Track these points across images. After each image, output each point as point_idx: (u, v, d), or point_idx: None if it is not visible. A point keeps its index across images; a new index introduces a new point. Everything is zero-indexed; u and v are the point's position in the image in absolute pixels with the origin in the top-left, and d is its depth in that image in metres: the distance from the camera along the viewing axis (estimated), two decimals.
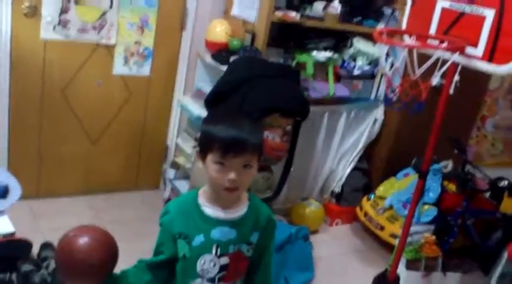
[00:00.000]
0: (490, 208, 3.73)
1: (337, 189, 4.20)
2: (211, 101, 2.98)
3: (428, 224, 3.54)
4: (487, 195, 3.86)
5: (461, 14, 2.34)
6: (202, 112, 3.42)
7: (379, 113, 4.08)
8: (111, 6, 3.46)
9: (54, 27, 3.34)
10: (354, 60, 3.82)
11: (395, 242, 3.18)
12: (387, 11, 3.84)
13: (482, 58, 2.25)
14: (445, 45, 2.31)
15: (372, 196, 3.93)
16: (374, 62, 3.89)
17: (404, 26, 2.70)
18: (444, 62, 2.27)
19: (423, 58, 2.29)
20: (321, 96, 3.66)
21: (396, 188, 3.83)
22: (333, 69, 3.73)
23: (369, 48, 3.79)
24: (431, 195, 3.61)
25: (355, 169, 4.21)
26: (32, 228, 3.23)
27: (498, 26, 2.18)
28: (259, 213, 1.66)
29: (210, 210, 1.60)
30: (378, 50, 3.79)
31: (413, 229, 3.00)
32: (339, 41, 3.76)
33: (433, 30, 2.48)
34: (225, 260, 1.59)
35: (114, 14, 3.48)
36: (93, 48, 3.53)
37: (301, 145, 3.31)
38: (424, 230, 3.45)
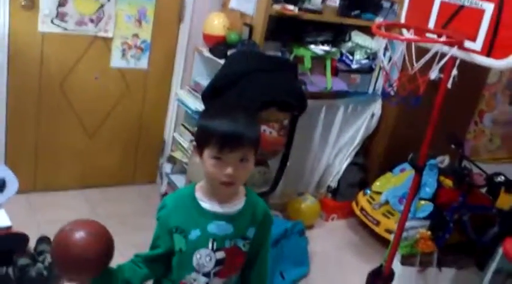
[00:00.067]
0: (486, 204, 3.73)
1: (334, 184, 4.20)
2: (209, 95, 2.97)
3: (424, 220, 3.54)
4: (484, 190, 3.86)
5: (461, 7, 2.34)
6: (200, 106, 3.41)
7: (376, 107, 4.08)
8: None
9: (52, 20, 3.32)
10: (352, 54, 3.82)
11: (391, 237, 3.18)
12: (386, 4, 3.84)
13: (481, 52, 2.24)
14: (443, 39, 2.31)
15: (368, 191, 3.93)
16: (372, 56, 3.88)
17: (403, 19, 2.69)
18: (442, 55, 2.26)
19: (421, 52, 2.28)
20: (318, 90, 3.65)
21: (392, 183, 3.83)
22: (331, 63, 3.72)
23: (367, 42, 3.78)
24: (428, 190, 3.61)
25: (351, 164, 4.21)
26: (29, 222, 3.21)
27: (497, 20, 2.17)
28: (256, 207, 1.66)
29: (207, 204, 1.59)
30: (376, 44, 3.78)
31: (408, 224, 3.00)
32: (337, 34, 3.75)
33: (431, 23, 2.47)
34: (221, 254, 1.59)
35: (111, 7, 3.47)
36: (91, 41, 3.52)
37: (298, 139, 3.30)
38: (419, 226, 3.45)
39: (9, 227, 2.71)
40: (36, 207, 3.54)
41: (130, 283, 1.61)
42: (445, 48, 2.28)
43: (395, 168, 3.97)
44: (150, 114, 3.96)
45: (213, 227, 1.57)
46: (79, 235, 1.50)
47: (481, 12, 2.23)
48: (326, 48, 3.62)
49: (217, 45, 3.48)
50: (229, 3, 3.62)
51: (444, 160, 3.74)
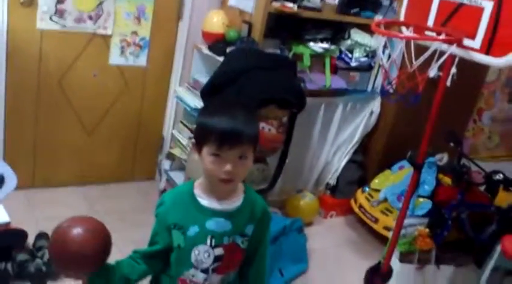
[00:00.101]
0: (484, 202, 3.74)
1: (332, 181, 4.21)
2: (208, 92, 2.97)
3: (423, 217, 3.55)
4: (482, 188, 3.87)
5: (460, 5, 2.34)
6: (199, 104, 3.41)
7: (375, 105, 4.08)
8: None
9: (50, 17, 3.32)
10: (351, 51, 3.82)
11: (389, 234, 3.19)
12: (385, 2, 3.83)
13: (480, 50, 2.24)
14: (442, 37, 2.31)
15: (367, 188, 3.93)
16: (371, 54, 3.88)
17: (402, 17, 2.69)
18: (441, 53, 2.26)
19: (420, 50, 2.28)
20: (317, 88, 3.65)
21: (391, 181, 3.83)
22: (330, 61, 3.72)
23: (366, 40, 3.78)
24: (426, 187, 3.61)
25: (350, 161, 4.21)
26: (27, 218, 3.22)
27: (496, 18, 2.17)
28: (254, 204, 1.66)
29: (206, 201, 1.59)
30: (375, 42, 3.78)
31: (407, 221, 3.01)
32: (336, 32, 3.75)
33: (431, 21, 2.48)
34: (219, 251, 1.59)
35: (110, 4, 3.46)
36: (90, 38, 3.51)
37: (296, 137, 3.30)
38: (418, 223, 3.46)
39: (8, 223, 2.72)
40: (35, 203, 3.54)
41: (129, 279, 1.61)
42: (444, 46, 2.28)
43: (394, 165, 3.97)
44: (148, 111, 3.96)
45: (211, 224, 1.57)
46: (76, 231, 1.50)
47: (480, 10, 2.24)
48: (325, 45, 3.62)
49: (216, 43, 3.48)
50: (228, 1, 3.62)
51: (443, 158, 3.75)
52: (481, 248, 3.49)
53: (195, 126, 1.62)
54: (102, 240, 1.54)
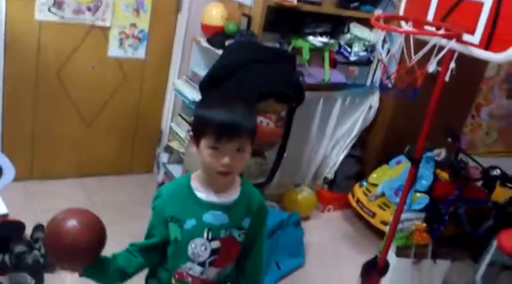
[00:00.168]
0: (482, 197, 3.75)
1: (330, 176, 4.21)
2: (206, 85, 2.96)
3: (420, 212, 3.55)
4: (480, 183, 3.88)
5: (460, 0, 2.33)
6: (197, 97, 3.41)
7: (374, 100, 4.08)
8: None
9: (49, 8, 3.31)
10: (350, 46, 3.81)
11: (386, 229, 3.19)
12: None
13: (479, 45, 2.24)
14: (441, 31, 2.30)
15: (364, 183, 3.94)
16: (370, 48, 3.88)
17: (401, 11, 2.68)
18: (441, 48, 2.25)
19: (420, 44, 2.28)
20: (316, 82, 3.64)
21: (389, 175, 3.83)
22: (329, 55, 3.71)
23: (366, 34, 3.78)
24: (424, 182, 3.62)
25: (348, 156, 4.21)
26: (25, 210, 3.22)
27: (496, 13, 2.16)
28: (251, 198, 1.66)
29: (203, 194, 1.59)
30: (375, 36, 3.78)
31: (404, 216, 3.01)
32: (335, 26, 3.74)
33: (430, 16, 2.47)
34: (216, 244, 1.59)
35: None
36: (88, 29, 3.50)
37: (295, 131, 3.30)
38: (415, 218, 3.45)
39: (5, 215, 2.71)
40: (33, 195, 3.54)
41: (126, 272, 1.62)
42: (444, 41, 2.28)
43: (392, 160, 3.97)
44: (147, 104, 3.96)
45: (208, 217, 1.57)
46: (71, 223, 1.50)
47: (480, 5, 2.23)
48: (324, 39, 3.61)
49: (215, 36, 3.47)
50: None
51: (441, 153, 3.75)
52: (477, 243, 3.50)
53: (193, 118, 1.62)
54: (97, 233, 1.54)
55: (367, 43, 3.82)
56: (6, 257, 2.69)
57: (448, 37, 2.26)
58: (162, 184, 3.80)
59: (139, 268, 1.66)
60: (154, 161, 4.18)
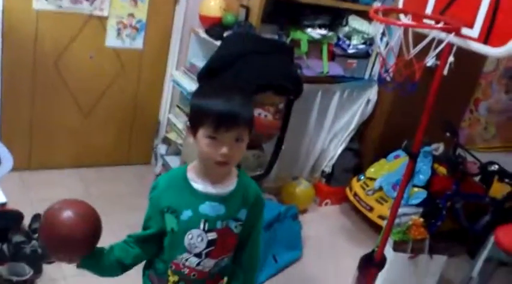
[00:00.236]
0: (479, 192, 3.75)
1: (328, 169, 4.21)
2: (204, 76, 2.96)
3: (417, 207, 3.56)
4: (477, 178, 3.88)
5: None
6: (195, 88, 3.39)
7: (372, 93, 4.07)
8: None
9: None
10: (349, 38, 3.80)
11: (384, 223, 3.19)
12: None
13: (478, 39, 2.23)
14: (440, 25, 2.29)
15: (362, 177, 3.94)
16: (369, 41, 3.87)
17: (400, 4, 2.67)
18: (440, 42, 2.24)
19: (418, 38, 2.26)
20: (314, 75, 3.64)
21: (386, 170, 3.83)
22: (328, 47, 3.70)
23: (364, 27, 3.76)
24: (422, 177, 3.62)
25: (346, 149, 4.21)
26: (23, 199, 3.22)
27: (495, 7, 2.15)
28: (247, 189, 1.66)
29: (200, 185, 1.58)
30: (373, 29, 3.76)
31: (401, 210, 3.01)
32: (334, 18, 3.73)
33: (429, 9, 2.45)
34: (212, 235, 1.59)
35: None
36: (86, 19, 3.49)
37: (293, 123, 3.29)
38: (412, 213, 3.46)
39: (4, 204, 2.71)
40: (30, 185, 3.53)
41: (123, 263, 1.62)
42: (442, 35, 2.27)
43: (390, 154, 3.97)
44: (145, 95, 3.95)
45: (204, 208, 1.57)
46: (67, 214, 1.50)
47: None
48: (323, 32, 3.60)
49: (214, 27, 3.46)
50: None
51: (439, 148, 3.75)
52: (474, 239, 3.50)
53: (189, 108, 1.61)
54: (92, 224, 1.54)
55: (365, 36, 3.81)
56: (5, 247, 2.69)
57: (447, 30, 2.25)
58: (159, 175, 3.80)
59: (136, 259, 1.65)
60: (152, 152, 4.17)
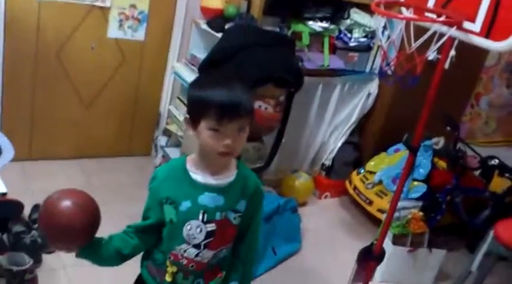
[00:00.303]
0: (479, 187, 3.75)
1: (328, 162, 4.21)
2: (206, 68, 2.95)
3: (417, 201, 3.56)
4: (477, 173, 3.88)
5: None
6: None
7: (373, 87, 4.07)
8: None
9: None
10: (351, 31, 3.79)
11: (383, 217, 3.19)
12: None
13: (480, 33, 2.22)
14: (442, 18, 2.28)
15: (362, 170, 3.94)
16: (370, 35, 3.86)
17: None
18: (441, 36, 2.24)
19: (420, 31, 2.26)
20: (315, 67, 3.63)
21: (386, 163, 3.83)
22: (329, 40, 3.70)
23: (366, 20, 3.76)
24: (422, 171, 3.62)
25: (346, 142, 4.21)
26: (24, 189, 3.22)
27: (497, 1, 2.14)
28: (247, 181, 1.66)
29: (199, 176, 1.58)
30: (375, 22, 3.75)
31: (401, 204, 3.01)
32: (335, 11, 3.72)
33: (431, 2, 2.44)
34: (211, 226, 1.59)
35: None
36: (88, 9, 3.48)
37: (293, 116, 3.29)
38: (412, 206, 3.47)
39: (4, 194, 2.71)
40: (31, 175, 3.54)
41: (122, 253, 1.62)
42: (444, 28, 2.26)
43: (390, 148, 3.97)
44: (146, 86, 3.95)
45: (204, 198, 1.57)
46: (65, 204, 1.50)
47: None
48: (324, 25, 3.60)
49: (215, 18, 3.46)
50: None
51: (439, 142, 3.75)
52: (474, 233, 3.51)
53: (188, 100, 1.60)
54: (91, 214, 1.54)
55: (367, 29, 3.81)
56: (5, 237, 2.69)
57: (449, 24, 2.24)
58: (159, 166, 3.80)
59: (135, 249, 1.65)
60: (152, 144, 4.17)
